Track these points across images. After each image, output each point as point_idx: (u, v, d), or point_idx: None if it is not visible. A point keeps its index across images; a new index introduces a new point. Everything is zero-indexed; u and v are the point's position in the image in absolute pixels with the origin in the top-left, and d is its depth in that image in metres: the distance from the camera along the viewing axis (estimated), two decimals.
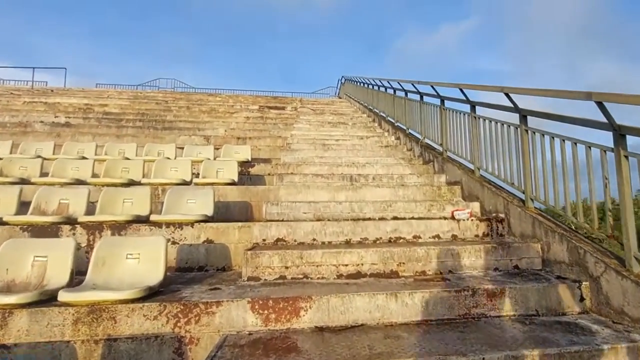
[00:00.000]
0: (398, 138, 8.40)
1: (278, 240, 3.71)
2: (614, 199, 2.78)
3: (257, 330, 2.43)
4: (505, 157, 4.19)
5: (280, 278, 3.08)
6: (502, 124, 4.25)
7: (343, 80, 19.09)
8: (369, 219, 4.24)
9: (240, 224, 3.81)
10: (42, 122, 8.89)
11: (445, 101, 5.87)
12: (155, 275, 2.81)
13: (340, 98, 18.76)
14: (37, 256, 2.85)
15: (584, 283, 2.76)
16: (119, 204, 4.17)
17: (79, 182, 4.97)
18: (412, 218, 4.21)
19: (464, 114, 5.16)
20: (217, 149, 7.08)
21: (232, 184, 5.11)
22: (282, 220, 4.10)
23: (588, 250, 2.83)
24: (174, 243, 3.63)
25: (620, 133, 2.61)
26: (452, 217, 4.14)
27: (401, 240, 3.82)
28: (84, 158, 6.02)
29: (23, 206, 4.09)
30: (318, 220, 4.12)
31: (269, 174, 5.90)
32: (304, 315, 2.49)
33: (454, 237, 3.93)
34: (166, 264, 2.92)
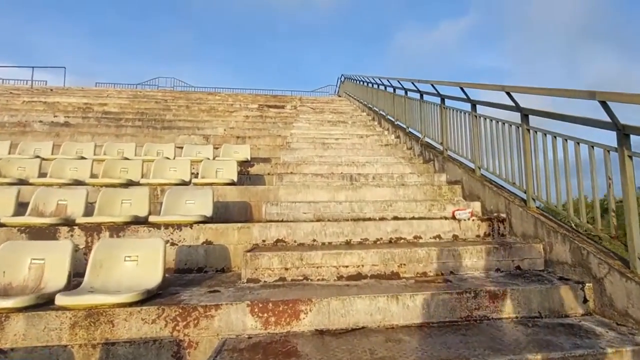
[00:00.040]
0: (398, 137, 8.36)
1: (278, 241, 3.68)
2: (617, 198, 2.74)
3: (256, 333, 2.40)
4: (507, 157, 4.15)
5: (280, 280, 3.05)
6: (504, 123, 4.22)
7: (342, 79, 19.03)
8: (369, 219, 4.21)
9: (239, 224, 3.78)
10: (41, 121, 8.85)
11: (446, 100, 5.84)
12: (153, 277, 2.78)
13: (339, 96, 18.71)
14: (34, 259, 2.82)
15: (587, 284, 2.73)
16: (117, 205, 4.14)
17: (78, 183, 4.94)
18: (413, 218, 4.19)
19: (465, 113, 5.12)
20: (217, 148, 7.04)
21: (232, 184, 5.08)
22: (282, 221, 4.07)
23: (591, 251, 2.80)
24: (172, 244, 3.60)
25: (624, 133, 2.58)
26: (453, 217, 4.11)
27: (402, 241, 3.79)
28: (82, 158, 5.98)
29: (21, 207, 4.05)
30: (318, 220, 4.09)
31: (268, 174, 5.87)
32: (304, 318, 2.46)
33: (455, 237, 3.89)
34: (164, 266, 2.89)
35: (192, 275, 3.42)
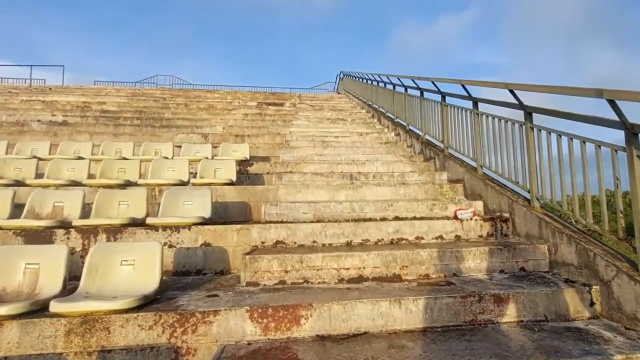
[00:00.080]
0: (398, 134, 8.28)
1: (277, 242, 3.62)
2: (626, 197, 2.68)
3: (256, 339, 2.34)
4: (510, 155, 4.08)
5: (280, 283, 3.00)
6: (506, 121, 4.15)
7: (342, 76, 18.89)
8: (370, 219, 4.15)
9: (238, 226, 3.71)
10: (39, 121, 8.77)
11: (447, 97, 5.76)
12: (150, 282, 2.71)
13: (339, 93, 18.60)
14: (28, 263, 2.76)
15: (594, 287, 2.67)
16: (114, 207, 4.07)
17: (75, 184, 4.87)
18: (414, 218, 4.13)
19: (466, 111, 5.05)
20: (215, 147, 6.96)
21: (231, 183, 5.02)
22: (282, 222, 4.01)
23: (598, 252, 2.74)
24: (171, 246, 3.54)
25: (632, 132, 2.51)
26: (455, 217, 4.05)
27: (403, 242, 3.73)
28: (80, 158, 5.91)
29: (17, 209, 3.99)
30: (318, 221, 4.02)
31: (267, 173, 5.80)
32: (304, 324, 2.40)
33: (458, 237, 3.83)
34: (162, 270, 2.83)
35: (190, 278, 3.36)
